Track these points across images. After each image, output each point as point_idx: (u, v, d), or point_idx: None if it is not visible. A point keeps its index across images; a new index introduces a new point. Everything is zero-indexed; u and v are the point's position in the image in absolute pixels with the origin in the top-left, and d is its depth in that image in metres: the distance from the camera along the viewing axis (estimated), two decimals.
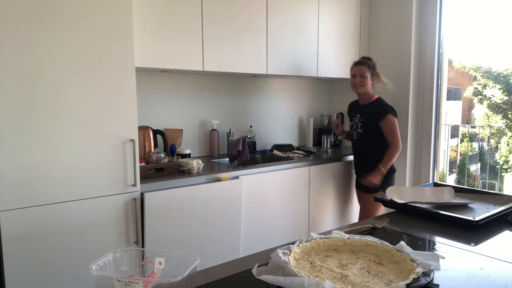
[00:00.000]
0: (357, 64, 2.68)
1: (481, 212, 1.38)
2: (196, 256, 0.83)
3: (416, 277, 0.82)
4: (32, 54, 1.68)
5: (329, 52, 3.19)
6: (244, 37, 2.67)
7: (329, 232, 1.10)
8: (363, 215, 2.76)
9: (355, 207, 3.09)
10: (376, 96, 2.67)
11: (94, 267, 0.80)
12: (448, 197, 1.56)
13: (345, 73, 3.35)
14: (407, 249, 0.95)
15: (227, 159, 2.83)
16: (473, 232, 1.23)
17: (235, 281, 0.94)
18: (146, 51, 2.22)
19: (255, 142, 3.17)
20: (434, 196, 1.57)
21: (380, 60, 3.39)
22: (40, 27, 1.69)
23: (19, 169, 1.69)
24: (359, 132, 2.67)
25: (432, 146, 3.28)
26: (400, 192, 1.59)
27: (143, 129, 2.34)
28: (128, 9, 1.91)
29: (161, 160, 2.23)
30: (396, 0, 3.25)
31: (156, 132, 2.45)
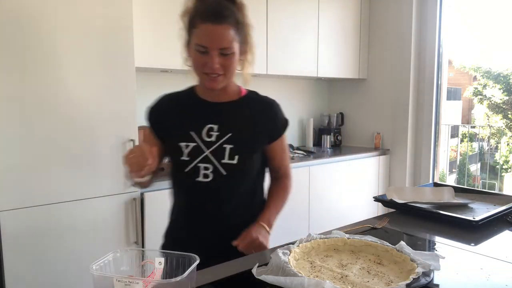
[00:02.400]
0: (211, 19, 1.09)
1: (481, 212, 1.38)
2: (196, 256, 0.83)
3: (416, 277, 0.82)
4: (33, 54, 1.68)
5: (329, 52, 3.19)
6: None
7: (329, 232, 1.10)
8: None
9: (355, 207, 3.09)
10: (245, 89, 1.31)
11: (94, 267, 0.80)
12: (448, 197, 1.56)
13: (345, 73, 3.35)
14: (407, 249, 0.95)
15: None
16: (473, 232, 1.23)
17: (235, 281, 0.94)
18: (146, 51, 2.21)
19: None
20: (434, 196, 1.57)
21: (380, 60, 3.41)
22: (40, 27, 1.69)
23: (19, 169, 1.69)
24: (224, 164, 1.18)
25: (432, 146, 3.28)
26: (400, 192, 1.59)
27: (143, 129, 2.34)
28: (128, 9, 1.91)
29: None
30: (396, 0, 3.25)
31: None
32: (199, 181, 1.19)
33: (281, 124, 1.32)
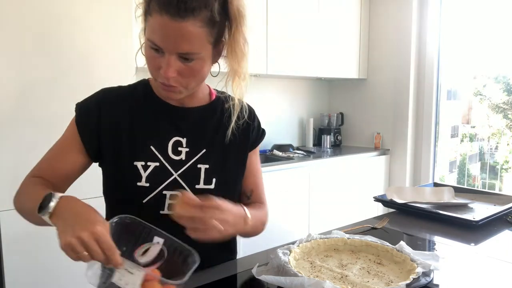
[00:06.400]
0: (169, 11, 0.76)
1: (481, 212, 1.38)
2: (197, 256, 0.76)
3: (416, 277, 0.82)
4: (32, 53, 1.68)
5: (329, 52, 3.19)
6: None
7: (329, 232, 1.10)
8: None
9: (355, 207, 3.09)
10: (213, 90, 1.04)
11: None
12: (448, 197, 1.56)
13: (345, 73, 3.35)
14: (407, 249, 0.95)
15: None
16: (473, 232, 1.23)
17: (235, 281, 0.94)
18: None
19: None
20: (434, 196, 1.57)
21: (380, 60, 3.41)
22: (40, 26, 1.69)
23: (19, 169, 1.69)
24: (199, 191, 0.92)
25: (432, 146, 3.28)
26: (400, 192, 1.59)
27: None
28: (128, 9, 1.91)
29: None
30: (396, 0, 3.25)
31: None
32: (164, 214, 0.88)
33: (258, 132, 1.04)
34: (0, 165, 1.65)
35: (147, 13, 0.81)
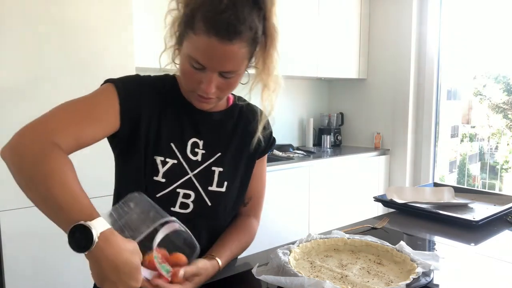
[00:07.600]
0: (218, 34, 0.77)
1: (481, 212, 1.38)
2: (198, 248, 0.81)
3: (416, 277, 0.82)
4: (32, 52, 1.69)
5: (329, 52, 3.19)
6: None
7: (329, 232, 1.10)
8: None
9: (355, 207, 3.09)
10: (231, 96, 1.07)
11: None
12: (448, 197, 1.56)
13: (345, 73, 3.35)
14: (407, 249, 0.95)
15: None
16: (473, 232, 1.23)
17: (235, 281, 0.94)
18: (146, 51, 2.21)
19: None
20: (434, 196, 1.57)
21: (380, 60, 3.41)
22: (40, 26, 1.69)
23: None
24: (210, 192, 0.94)
25: (432, 146, 3.28)
26: (400, 192, 1.59)
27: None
28: (128, 9, 1.91)
29: None
30: (396, 0, 3.25)
31: None
32: (175, 211, 0.89)
33: (269, 141, 1.08)
34: (0, 165, 1.65)
35: (188, 27, 0.80)
